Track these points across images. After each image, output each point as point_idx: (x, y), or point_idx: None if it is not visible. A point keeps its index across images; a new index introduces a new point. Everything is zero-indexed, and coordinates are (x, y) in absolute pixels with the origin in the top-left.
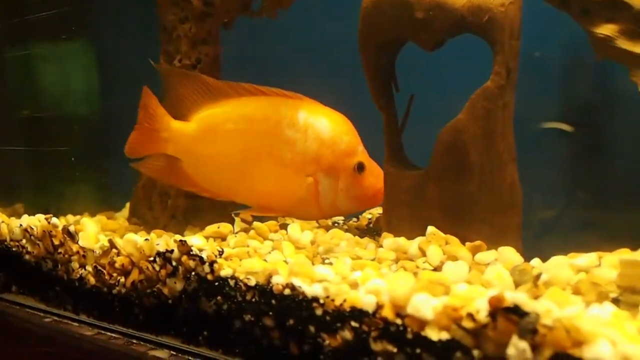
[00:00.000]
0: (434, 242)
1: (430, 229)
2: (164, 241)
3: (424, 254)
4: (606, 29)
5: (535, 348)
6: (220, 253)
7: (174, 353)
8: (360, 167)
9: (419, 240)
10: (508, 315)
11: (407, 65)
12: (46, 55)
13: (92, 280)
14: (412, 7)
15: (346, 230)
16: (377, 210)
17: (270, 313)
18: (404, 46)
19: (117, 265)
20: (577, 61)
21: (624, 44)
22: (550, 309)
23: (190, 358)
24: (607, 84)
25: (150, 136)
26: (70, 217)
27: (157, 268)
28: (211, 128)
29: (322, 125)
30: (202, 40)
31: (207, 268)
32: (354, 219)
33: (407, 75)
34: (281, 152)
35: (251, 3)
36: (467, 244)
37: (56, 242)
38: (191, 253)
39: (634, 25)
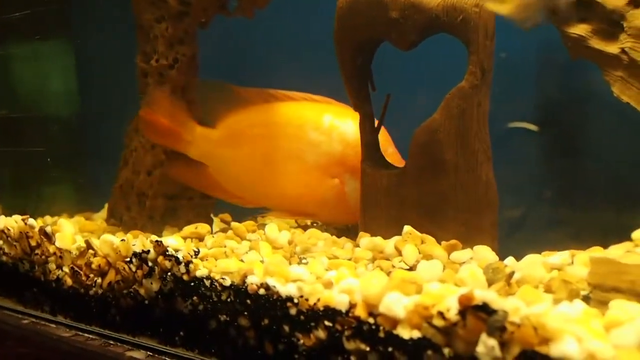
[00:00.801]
0: (410, 241)
1: (407, 228)
2: (140, 242)
3: (400, 253)
4: (579, 29)
5: (503, 345)
6: (196, 253)
7: (151, 354)
8: None
9: (395, 239)
10: (477, 313)
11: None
12: (23, 56)
13: (69, 281)
14: (387, 7)
15: (324, 230)
16: None
17: (246, 313)
18: (379, 46)
19: (93, 266)
20: (546, 61)
21: (597, 44)
22: (519, 306)
23: (166, 358)
24: (577, 84)
25: (172, 135)
26: (48, 218)
27: (134, 269)
28: (236, 133)
29: (347, 127)
30: (179, 40)
31: (183, 268)
32: (315, 223)
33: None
34: (305, 155)
35: (227, 2)
36: (443, 243)
37: (33, 243)
38: (167, 253)
39: (606, 25)
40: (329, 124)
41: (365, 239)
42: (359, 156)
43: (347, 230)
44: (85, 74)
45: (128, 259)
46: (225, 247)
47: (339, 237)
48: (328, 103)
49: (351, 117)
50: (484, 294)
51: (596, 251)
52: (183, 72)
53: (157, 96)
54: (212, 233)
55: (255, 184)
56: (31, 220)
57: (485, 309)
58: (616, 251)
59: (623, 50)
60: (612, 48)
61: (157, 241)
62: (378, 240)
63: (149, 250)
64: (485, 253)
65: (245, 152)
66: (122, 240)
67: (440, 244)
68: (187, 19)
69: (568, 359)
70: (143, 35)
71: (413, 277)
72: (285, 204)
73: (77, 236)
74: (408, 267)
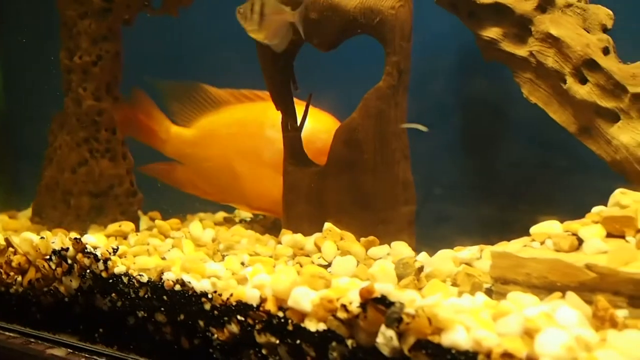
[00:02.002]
0: (330, 238)
1: (327, 225)
2: (59, 239)
3: (319, 249)
4: (492, 32)
5: (401, 336)
6: (115, 251)
7: (71, 351)
8: None
9: (315, 236)
10: (377, 305)
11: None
12: None
13: None
14: (307, 8)
15: (250, 227)
16: None
17: (162, 309)
18: (300, 47)
19: (13, 264)
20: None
21: (508, 47)
22: (414, 298)
23: (87, 355)
24: (473, 86)
25: (148, 133)
26: None
27: (54, 266)
28: (209, 133)
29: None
30: (103, 37)
31: (101, 265)
32: (261, 216)
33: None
34: (263, 153)
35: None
36: (362, 239)
37: None
38: (86, 251)
39: (516, 28)
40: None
41: (287, 236)
42: (310, 153)
43: (273, 228)
44: (8, 71)
45: (48, 257)
46: (148, 245)
47: (263, 234)
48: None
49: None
50: (382, 287)
51: (504, 246)
52: (107, 69)
53: (136, 95)
54: (136, 231)
55: (220, 181)
56: None
57: (383, 301)
58: (515, 245)
59: (531, 53)
60: (522, 51)
61: (75, 239)
62: (299, 237)
63: (68, 248)
64: (402, 249)
65: (214, 151)
66: (41, 238)
67: (359, 240)
68: (111, 16)
69: (457, 347)
70: (66, 31)
71: (322, 272)
72: (245, 199)
73: None
74: (327, 263)
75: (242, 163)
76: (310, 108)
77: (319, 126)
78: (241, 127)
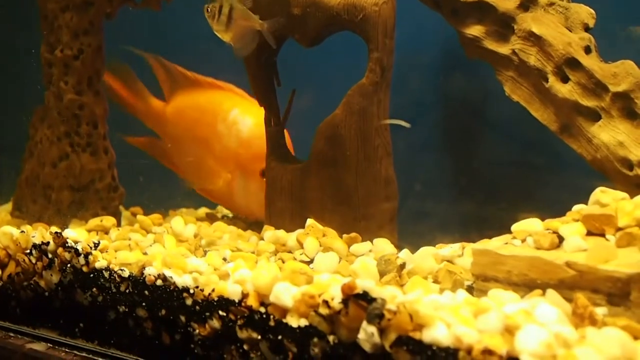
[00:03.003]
0: (312, 234)
1: (309, 221)
2: (39, 233)
3: (301, 246)
4: (474, 30)
5: (382, 332)
6: (96, 245)
7: (51, 345)
8: (264, 174)
9: (297, 232)
10: (358, 301)
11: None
12: None
13: None
14: (289, 4)
15: (232, 223)
16: None
17: (143, 304)
18: (284, 42)
19: None
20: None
21: (490, 45)
22: (395, 294)
23: (67, 350)
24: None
25: (130, 103)
26: None
27: (34, 260)
28: (177, 111)
29: (245, 125)
30: (84, 31)
31: (82, 260)
32: None
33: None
34: (214, 144)
35: None
36: (344, 235)
37: None
38: (67, 245)
39: (499, 26)
40: (232, 119)
41: (269, 232)
42: (248, 156)
43: (255, 224)
44: None
45: (28, 251)
46: (130, 239)
47: (245, 230)
48: (241, 96)
49: (255, 114)
50: (364, 283)
51: (485, 243)
52: (88, 63)
53: (115, 66)
54: (117, 226)
55: (185, 161)
56: None
57: (365, 297)
58: (496, 243)
59: (514, 52)
60: (504, 49)
61: (56, 233)
62: (281, 233)
63: (48, 242)
64: (384, 246)
65: (182, 129)
66: (21, 232)
67: (341, 237)
68: (92, 9)
69: (438, 343)
70: (47, 25)
71: (303, 268)
72: (201, 184)
73: None
74: (309, 260)
75: (195, 147)
76: (255, 106)
77: (259, 131)
78: (203, 114)
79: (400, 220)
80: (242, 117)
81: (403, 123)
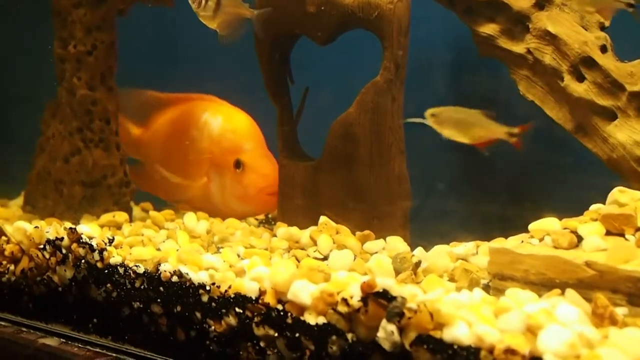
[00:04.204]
0: (325, 231)
1: (322, 218)
2: (53, 229)
3: (315, 243)
4: (488, 28)
5: (402, 330)
6: (111, 241)
7: (64, 340)
8: (237, 164)
9: (310, 229)
10: (378, 300)
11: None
12: None
13: None
14: (304, 2)
15: (243, 220)
16: None
17: (158, 300)
18: (297, 40)
19: (6, 253)
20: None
21: (505, 43)
22: (416, 293)
23: (80, 345)
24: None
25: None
26: None
27: (47, 256)
28: (154, 133)
29: (215, 123)
30: (97, 27)
31: (96, 256)
32: None
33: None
34: (190, 152)
35: None
36: (357, 233)
37: None
38: (81, 241)
39: (513, 25)
40: (202, 122)
41: (282, 229)
42: (219, 152)
43: (266, 221)
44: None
45: (42, 246)
46: (142, 235)
47: (257, 227)
48: (211, 101)
49: (224, 112)
50: (384, 281)
51: (500, 242)
52: (101, 59)
53: None
54: (130, 222)
55: (163, 181)
56: None
57: (385, 296)
58: (513, 242)
59: (528, 50)
60: (519, 48)
61: (71, 228)
62: (294, 230)
63: (62, 238)
64: (396, 243)
65: (159, 149)
66: (35, 227)
67: (354, 234)
68: (105, 6)
69: (459, 342)
70: (60, 21)
71: (321, 266)
72: (179, 196)
73: None
74: (323, 257)
75: (174, 161)
76: (225, 106)
77: (228, 125)
78: (175, 126)
79: (420, 218)
80: (212, 117)
81: (424, 121)
